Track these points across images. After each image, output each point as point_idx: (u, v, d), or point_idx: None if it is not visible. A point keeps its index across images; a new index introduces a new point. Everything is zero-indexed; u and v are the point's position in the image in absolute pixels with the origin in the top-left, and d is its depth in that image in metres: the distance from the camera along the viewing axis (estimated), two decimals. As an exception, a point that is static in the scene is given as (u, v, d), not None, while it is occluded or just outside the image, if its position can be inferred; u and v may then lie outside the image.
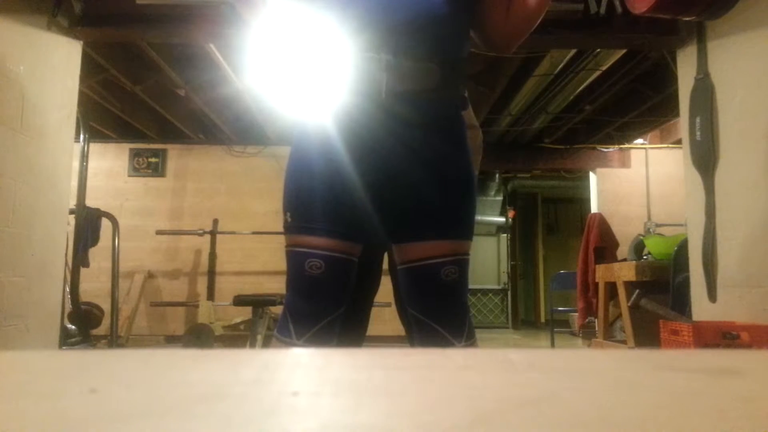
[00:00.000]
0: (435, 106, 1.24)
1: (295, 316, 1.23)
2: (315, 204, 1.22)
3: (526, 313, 9.36)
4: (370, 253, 1.45)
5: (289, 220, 1.25)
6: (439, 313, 1.25)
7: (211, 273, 5.42)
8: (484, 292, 8.55)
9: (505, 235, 8.75)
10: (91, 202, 4.25)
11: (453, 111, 1.29)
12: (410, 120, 1.22)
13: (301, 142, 1.28)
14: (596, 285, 4.31)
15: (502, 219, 8.50)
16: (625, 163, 6.01)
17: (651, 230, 4.55)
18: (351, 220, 1.23)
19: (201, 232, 5.46)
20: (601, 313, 4.15)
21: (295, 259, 1.23)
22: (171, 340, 5.45)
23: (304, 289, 1.22)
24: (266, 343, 3.97)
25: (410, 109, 1.21)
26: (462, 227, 1.26)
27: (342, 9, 1.20)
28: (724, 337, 2.29)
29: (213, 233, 5.49)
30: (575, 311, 5.05)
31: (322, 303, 1.22)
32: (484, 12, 1.29)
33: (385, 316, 4.72)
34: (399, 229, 1.27)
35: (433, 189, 1.24)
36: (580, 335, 5.64)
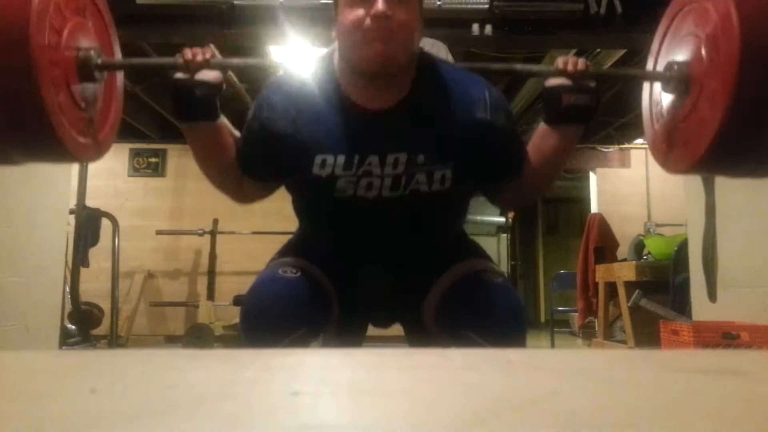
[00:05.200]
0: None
1: (251, 338, 1.07)
2: (305, 247, 1.23)
3: (526, 313, 9.35)
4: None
5: (276, 257, 1.23)
6: (493, 320, 1.09)
7: (211, 273, 5.42)
8: (484, 292, 8.53)
9: (505, 235, 8.75)
10: (91, 202, 4.25)
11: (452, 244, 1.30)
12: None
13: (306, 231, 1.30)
14: (596, 285, 4.31)
15: (502, 219, 8.50)
16: (625, 163, 6.01)
17: (651, 230, 4.55)
18: (338, 281, 1.19)
19: (201, 232, 5.46)
20: (601, 313, 4.15)
21: (268, 271, 1.14)
22: (171, 340, 5.44)
23: (272, 293, 1.09)
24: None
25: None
26: (481, 254, 1.25)
27: (333, 229, 1.19)
28: (724, 337, 2.29)
29: (213, 233, 5.48)
30: (575, 311, 5.05)
31: (290, 311, 1.06)
32: (493, 192, 1.26)
33: (385, 316, 4.72)
34: (424, 291, 1.20)
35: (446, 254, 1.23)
36: (580, 335, 5.64)
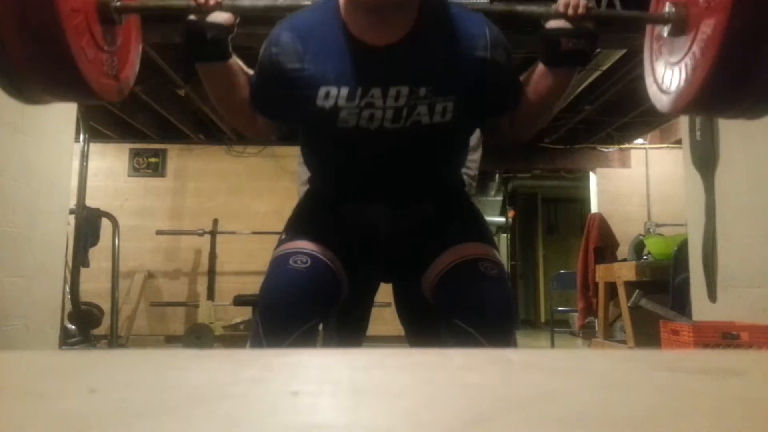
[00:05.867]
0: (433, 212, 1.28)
1: (269, 328, 1.12)
2: (311, 224, 1.24)
3: (526, 313, 9.36)
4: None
5: (283, 237, 1.24)
6: (484, 314, 1.12)
7: (211, 273, 5.42)
8: (484, 292, 8.53)
9: (505, 235, 8.75)
10: (91, 202, 4.25)
11: (455, 200, 1.32)
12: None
13: (309, 200, 1.33)
14: (596, 285, 4.31)
15: (502, 219, 8.50)
16: (625, 163, 6.01)
17: (651, 230, 4.55)
18: (344, 249, 1.22)
19: (201, 232, 5.46)
20: (601, 313, 4.15)
21: (279, 260, 1.17)
22: (171, 340, 5.44)
23: (284, 286, 1.13)
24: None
25: (408, 230, 1.25)
26: (484, 236, 1.26)
27: (337, 165, 1.22)
28: (724, 337, 2.29)
29: (213, 233, 5.48)
30: (575, 311, 5.05)
31: (303, 301, 1.11)
32: (489, 126, 1.31)
33: (385, 316, 4.70)
34: (423, 263, 1.23)
35: (448, 229, 1.25)
36: (580, 335, 5.64)
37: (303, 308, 1.11)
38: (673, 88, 0.99)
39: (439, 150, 1.21)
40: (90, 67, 0.89)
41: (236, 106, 1.22)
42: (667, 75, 1.03)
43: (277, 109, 1.21)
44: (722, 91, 0.88)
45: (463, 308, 1.13)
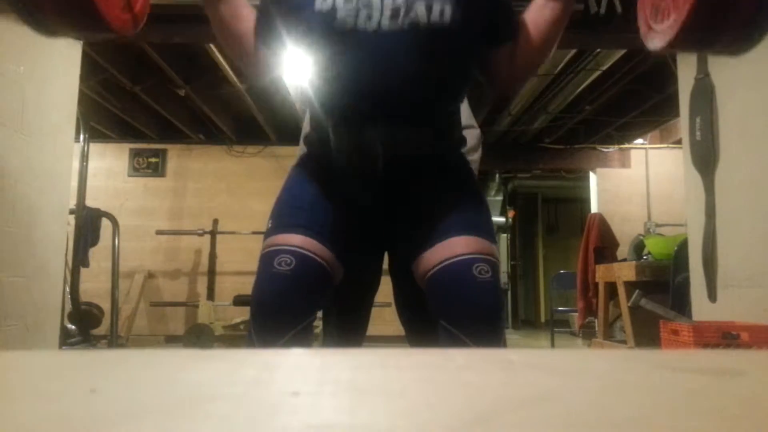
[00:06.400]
0: (432, 163, 1.25)
1: (260, 332, 1.13)
2: (300, 210, 1.21)
3: (526, 313, 9.36)
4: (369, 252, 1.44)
5: (269, 225, 1.22)
6: (474, 320, 1.11)
7: (211, 273, 5.42)
8: (484, 292, 8.53)
9: (505, 235, 8.75)
10: (91, 202, 4.25)
11: (452, 158, 1.29)
12: (408, 181, 1.23)
13: (301, 170, 1.30)
14: (596, 285, 4.31)
15: (502, 219, 8.50)
16: (625, 163, 6.01)
17: (651, 230, 4.55)
18: (334, 230, 1.19)
19: (201, 232, 5.46)
20: (601, 313, 4.15)
21: (265, 260, 1.16)
22: (171, 340, 5.45)
23: (271, 291, 1.13)
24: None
25: (407, 172, 1.22)
26: (483, 227, 1.21)
27: (337, 77, 1.19)
28: (724, 337, 2.29)
29: (213, 233, 5.49)
30: (575, 311, 5.05)
31: (290, 305, 1.11)
32: (489, 63, 1.28)
33: (385, 316, 4.72)
34: (418, 243, 1.19)
35: (444, 207, 1.21)
36: (580, 335, 5.64)
37: (291, 312, 1.12)
38: (661, 25, 1.01)
39: (437, 65, 1.18)
40: (105, 1, 0.92)
41: (240, 39, 1.24)
42: (655, 12, 1.05)
43: (280, 26, 1.22)
44: (707, 23, 0.91)
45: (450, 311, 1.12)
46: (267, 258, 1.15)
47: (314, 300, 1.16)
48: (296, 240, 1.15)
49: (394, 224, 1.26)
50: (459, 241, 1.15)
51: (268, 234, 1.21)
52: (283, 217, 1.22)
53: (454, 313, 1.12)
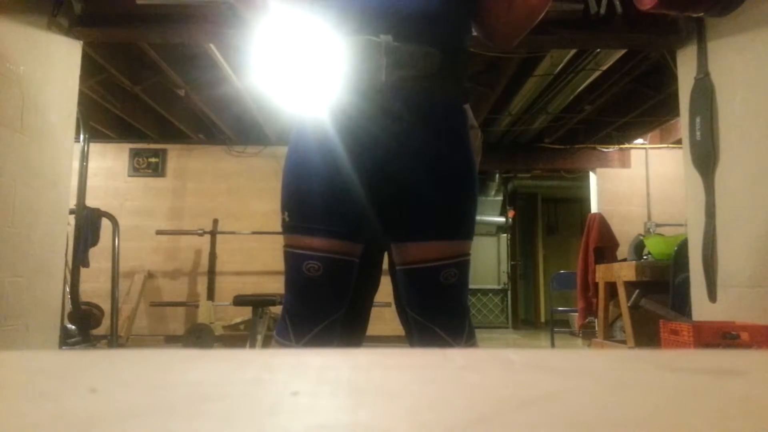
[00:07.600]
0: (434, 96, 1.22)
1: (294, 319, 1.22)
2: (313, 203, 1.21)
3: (526, 313, 9.36)
4: (370, 252, 1.44)
5: (287, 219, 1.23)
6: (439, 315, 1.25)
7: (211, 273, 5.42)
8: (484, 292, 8.55)
9: (505, 235, 8.75)
10: (91, 202, 4.25)
11: (453, 102, 1.27)
12: (408, 115, 1.19)
13: (299, 141, 1.26)
14: (596, 285, 4.31)
15: (502, 219, 8.50)
16: (625, 163, 6.01)
17: (651, 230, 4.55)
18: (350, 219, 1.21)
19: (201, 232, 5.46)
20: (601, 313, 4.15)
21: (293, 261, 1.22)
22: (171, 340, 5.45)
23: (301, 292, 1.22)
24: (266, 343, 3.97)
25: (409, 101, 1.19)
26: (462, 226, 1.24)
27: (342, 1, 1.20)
28: (724, 337, 2.29)
29: (213, 233, 5.49)
30: (575, 311, 5.05)
31: (320, 305, 1.21)
32: (487, 4, 1.29)
33: (385, 316, 4.72)
34: (397, 228, 1.25)
35: (431, 187, 1.22)
36: (580, 335, 5.64)
37: (323, 311, 1.22)
38: None
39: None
40: None
41: None
42: None
43: None
44: None
45: (413, 306, 1.26)
46: (294, 260, 1.22)
47: (344, 295, 1.24)
48: (320, 244, 1.19)
49: (390, 200, 1.24)
50: (431, 248, 1.22)
51: (288, 230, 1.23)
52: (300, 213, 1.22)
53: (417, 309, 1.26)
